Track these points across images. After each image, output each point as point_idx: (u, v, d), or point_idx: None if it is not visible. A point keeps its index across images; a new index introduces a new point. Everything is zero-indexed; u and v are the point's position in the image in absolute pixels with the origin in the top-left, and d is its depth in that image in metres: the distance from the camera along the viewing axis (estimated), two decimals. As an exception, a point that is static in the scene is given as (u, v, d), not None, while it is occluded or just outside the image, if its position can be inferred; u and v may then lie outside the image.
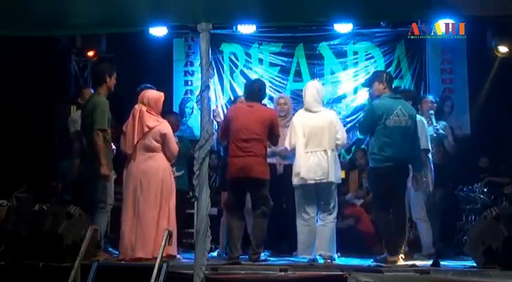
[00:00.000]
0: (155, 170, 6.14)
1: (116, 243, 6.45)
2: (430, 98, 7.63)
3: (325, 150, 6.37)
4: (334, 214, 6.48)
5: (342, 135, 6.51)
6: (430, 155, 7.03)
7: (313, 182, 6.33)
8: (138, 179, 6.13)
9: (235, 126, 6.25)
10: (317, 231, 6.40)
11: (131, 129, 6.20)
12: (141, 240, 5.97)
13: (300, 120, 6.50)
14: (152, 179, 6.10)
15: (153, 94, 6.37)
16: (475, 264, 5.71)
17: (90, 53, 9.41)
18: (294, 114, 6.91)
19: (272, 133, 6.38)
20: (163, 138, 6.20)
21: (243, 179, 6.20)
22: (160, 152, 6.23)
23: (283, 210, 7.03)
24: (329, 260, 6.24)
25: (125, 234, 6.05)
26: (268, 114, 6.40)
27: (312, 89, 6.59)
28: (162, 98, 6.41)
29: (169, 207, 6.15)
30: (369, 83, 6.81)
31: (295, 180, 6.40)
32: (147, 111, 6.21)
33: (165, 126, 6.26)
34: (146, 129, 6.15)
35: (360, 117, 9.24)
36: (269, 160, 6.57)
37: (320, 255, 6.27)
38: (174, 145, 6.29)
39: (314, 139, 6.40)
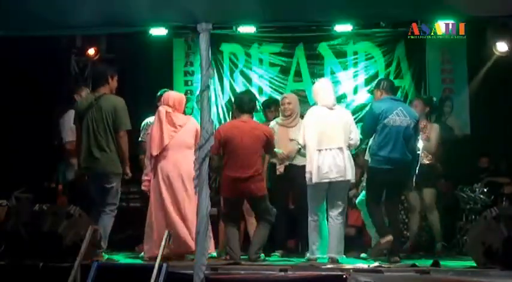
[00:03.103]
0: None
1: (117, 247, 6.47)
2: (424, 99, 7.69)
3: (340, 148, 6.32)
4: (345, 213, 6.50)
5: (355, 136, 6.49)
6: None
7: (327, 180, 6.27)
8: (180, 178, 6.28)
9: (233, 145, 6.29)
10: (330, 231, 6.36)
11: (158, 131, 6.29)
12: (191, 235, 6.04)
13: (315, 117, 6.45)
14: (191, 177, 6.13)
15: (176, 95, 6.59)
16: (475, 264, 5.72)
17: (90, 53, 9.41)
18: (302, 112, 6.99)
19: (267, 149, 6.48)
20: (196, 133, 6.25)
21: (241, 200, 6.38)
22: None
23: (290, 210, 7.06)
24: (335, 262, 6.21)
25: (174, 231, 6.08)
26: (263, 132, 6.43)
27: (327, 86, 6.66)
28: (184, 99, 6.62)
29: None
30: (371, 91, 7.03)
31: (309, 179, 6.33)
32: (173, 111, 6.35)
33: (195, 122, 6.39)
34: (179, 128, 6.31)
35: (359, 117, 9.23)
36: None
37: (330, 258, 6.27)
38: None
39: (329, 136, 6.34)
